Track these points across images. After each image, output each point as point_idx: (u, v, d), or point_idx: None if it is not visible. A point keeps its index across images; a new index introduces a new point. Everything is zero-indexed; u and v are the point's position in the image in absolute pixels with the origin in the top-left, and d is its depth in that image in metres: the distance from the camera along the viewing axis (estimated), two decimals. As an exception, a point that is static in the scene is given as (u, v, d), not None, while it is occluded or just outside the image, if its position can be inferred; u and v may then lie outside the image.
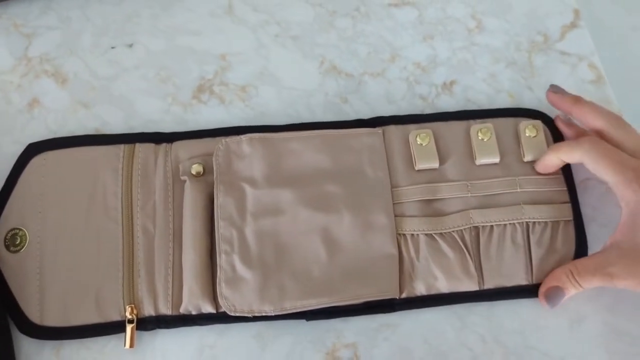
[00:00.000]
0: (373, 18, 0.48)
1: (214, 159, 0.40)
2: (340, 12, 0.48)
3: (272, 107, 0.45)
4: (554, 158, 0.40)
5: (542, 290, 0.39)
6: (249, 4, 0.48)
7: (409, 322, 0.40)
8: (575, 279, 0.38)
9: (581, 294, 0.40)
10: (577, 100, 0.41)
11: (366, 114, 0.45)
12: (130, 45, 0.47)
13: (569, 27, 0.48)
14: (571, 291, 0.38)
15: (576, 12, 0.48)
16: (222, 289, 0.38)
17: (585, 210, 0.42)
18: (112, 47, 0.46)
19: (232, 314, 0.38)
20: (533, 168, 0.42)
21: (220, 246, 0.39)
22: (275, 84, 0.46)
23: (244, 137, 0.41)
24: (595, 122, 0.39)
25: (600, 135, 0.39)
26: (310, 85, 0.46)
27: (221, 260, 0.38)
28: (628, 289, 0.36)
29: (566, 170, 0.42)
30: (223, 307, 0.38)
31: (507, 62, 0.46)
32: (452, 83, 0.46)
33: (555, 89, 0.42)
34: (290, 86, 0.46)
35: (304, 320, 0.39)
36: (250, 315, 0.38)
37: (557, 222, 0.41)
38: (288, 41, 0.47)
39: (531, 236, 0.40)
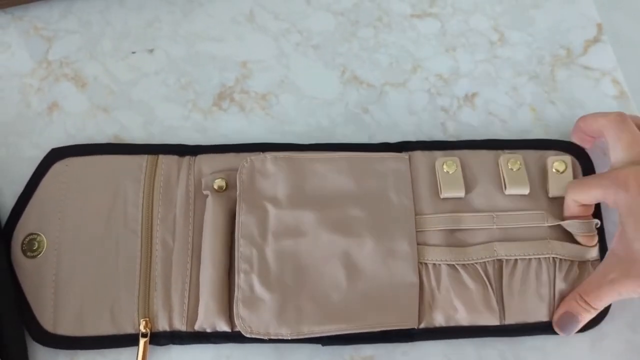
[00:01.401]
0: (395, 29, 0.48)
1: (237, 176, 0.40)
2: (362, 22, 0.48)
3: (292, 115, 0.45)
4: (570, 201, 0.39)
5: (555, 319, 0.38)
6: (271, 12, 0.48)
7: (428, 336, 0.39)
8: (584, 300, 0.37)
9: (602, 312, 0.40)
10: (581, 118, 0.41)
11: (387, 125, 0.44)
12: (151, 51, 0.46)
13: (592, 42, 0.47)
14: (584, 316, 0.37)
15: (599, 27, 0.48)
16: (239, 309, 0.37)
17: (609, 227, 0.41)
18: (133, 52, 0.46)
19: (248, 335, 0.37)
20: (561, 204, 0.41)
21: (240, 265, 0.38)
22: (296, 93, 0.45)
23: (269, 156, 0.40)
24: (595, 124, 0.40)
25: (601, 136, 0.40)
26: (331, 94, 0.45)
27: (239, 279, 0.38)
28: (629, 293, 0.36)
29: (596, 211, 0.41)
30: (239, 328, 0.37)
31: (530, 76, 0.46)
32: (473, 95, 0.46)
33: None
34: (310, 95, 0.45)
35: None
36: (266, 337, 0.37)
37: (584, 262, 0.40)
38: (309, 50, 0.47)
39: (557, 273, 0.39)
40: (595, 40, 0.47)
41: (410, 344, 0.39)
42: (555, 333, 0.39)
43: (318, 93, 0.45)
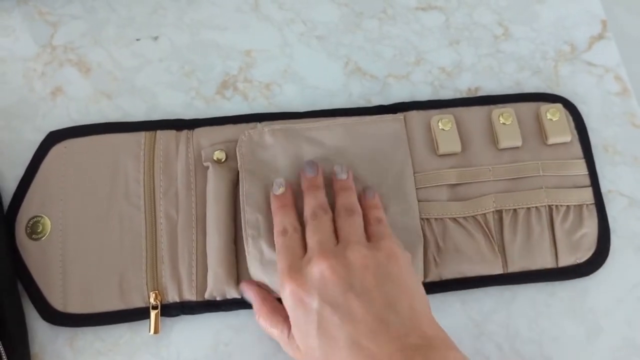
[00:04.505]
0: (399, 21, 0.49)
1: (237, 149, 0.42)
2: (366, 14, 0.50)
3: (295, 105, 0.46)
4: None
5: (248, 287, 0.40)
6: (275, 2, 0.50)
7: (426, 327, 0.41)
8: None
9: (599, 307, 0.41)
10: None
11: (389, 117, 0.46)
12: (155, 38, 0.48)
13: (597, 38, 0.49)
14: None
15: (604, 23, 0.50)
16: (252, 273, 0.40)
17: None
18: (137, 39, 0.48)
19: None
20: (554, 152, 0.44)
21: (247, 231, 0.40)
22: (299, 83, 0.47)
23: (266, 128, 0.43)
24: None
25: None
26: (334, 85, 0.47)
27: (249, 245, 0.40)
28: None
29: (588, 155, 0.44)
30: None
31: (533, 71, 0.48)
32: (476, 89, 0.47)
33: None
34: (314, 85, 0.47)
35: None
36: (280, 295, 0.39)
37: (580, 205, 0.43)
38: (313, 40, 0.49)
39: (554, 219, 0.42)
40: (600, 36, 0.49)
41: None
42: (556, 279, 0.42)
43: (321, 83, 0.47)
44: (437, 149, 0.43)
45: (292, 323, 0.36)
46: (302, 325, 0.34)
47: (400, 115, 0.44)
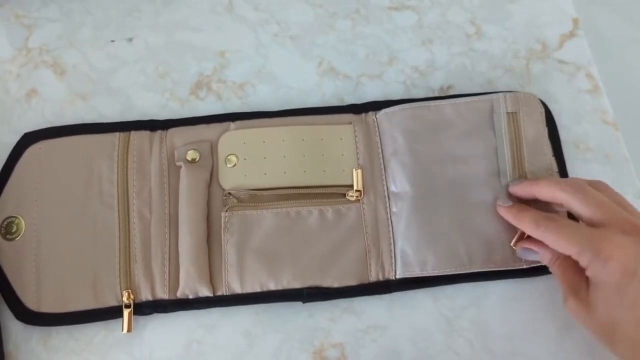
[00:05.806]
0: (373, 21, 0.50)
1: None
2: (340, 14, 0.50)
3: (269, 105, 0.47)
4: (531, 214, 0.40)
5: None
6: (250, 3, 0.50)
7: (398, 324, 0.42)
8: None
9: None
10: (533, 182, 0.41)
11: (362, 116, 0.47)
12: (130, 40, 0.49)
13: (568, 36, 0.50)
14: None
15: (575, 22, 0.50)
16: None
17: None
18: (112, 41, 0.49)
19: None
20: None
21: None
22: (273, 83, 0.48)
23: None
24: (551, 195, 0.39)
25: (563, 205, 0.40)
26: (307, 85, 0.48)
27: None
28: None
29: (558, 154, 0.45)
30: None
31: (505, 69, 0.49)
32: (449, 88, 0.48)
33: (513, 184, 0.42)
34: (287, 85, 0.48)
35: (293, 319, 0.42)
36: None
37: None
38: (287, 41, 0.49)
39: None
40: (571, 34, 0.50)
41: (380, 331, 0.42)
42: (519, 277, 0.43)
43: (295, 83, 0.48)
44: None
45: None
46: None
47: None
